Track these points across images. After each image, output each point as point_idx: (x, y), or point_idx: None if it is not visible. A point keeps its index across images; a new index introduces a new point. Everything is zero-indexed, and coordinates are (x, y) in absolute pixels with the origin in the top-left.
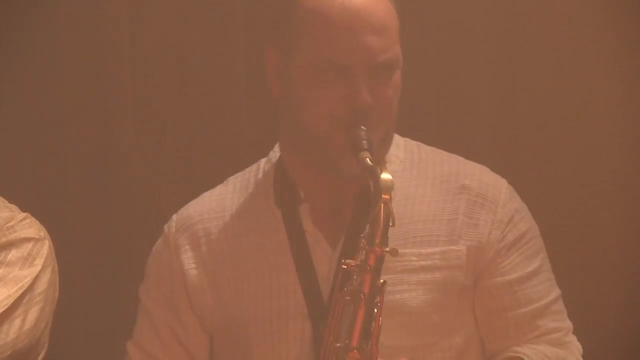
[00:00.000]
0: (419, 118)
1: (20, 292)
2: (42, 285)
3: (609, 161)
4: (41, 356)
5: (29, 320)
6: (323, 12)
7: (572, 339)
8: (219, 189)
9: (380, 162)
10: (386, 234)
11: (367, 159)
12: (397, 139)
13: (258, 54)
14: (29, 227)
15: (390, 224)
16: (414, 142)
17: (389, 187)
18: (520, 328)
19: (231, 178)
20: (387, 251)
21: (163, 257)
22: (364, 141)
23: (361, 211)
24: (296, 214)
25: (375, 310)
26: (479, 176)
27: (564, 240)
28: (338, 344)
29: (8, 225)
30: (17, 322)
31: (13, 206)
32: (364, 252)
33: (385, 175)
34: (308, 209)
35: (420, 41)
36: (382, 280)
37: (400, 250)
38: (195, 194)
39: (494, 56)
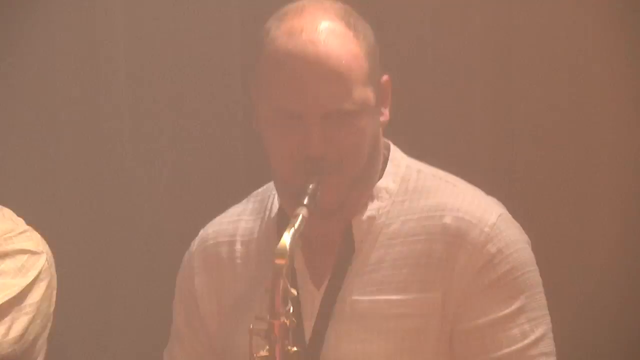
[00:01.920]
0: (418, 123)
1: (5, 299)
2: (34, 297)
3: (609, 162)
4: None
5: (15, 329)
6: (279, 59)
7: None
8: (240, 206)
9: (330, 209)
10: (286, 302)
11: (300, 215)
12: (398, 166)
13: (255, 57)
14: (28, 240)
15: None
16: (415, 167)
17: (281, 254)
18: None
19: (254, 194)
20: (285, 322)
21: (184, 275)
22: (306, 196)
23: (346, 251)
24: None
25: None
26: (463, 213)
27: (563, 240)
28: None
29: (6, 236)
30: (1, 329)
31: (20, 220)
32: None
33: (284, 238)
34: (300, 246)
35: (419, 45)
36: (294, 349)
37: (372, 297)
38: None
39: (493, 60)
